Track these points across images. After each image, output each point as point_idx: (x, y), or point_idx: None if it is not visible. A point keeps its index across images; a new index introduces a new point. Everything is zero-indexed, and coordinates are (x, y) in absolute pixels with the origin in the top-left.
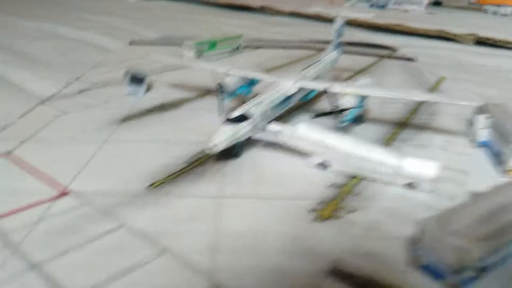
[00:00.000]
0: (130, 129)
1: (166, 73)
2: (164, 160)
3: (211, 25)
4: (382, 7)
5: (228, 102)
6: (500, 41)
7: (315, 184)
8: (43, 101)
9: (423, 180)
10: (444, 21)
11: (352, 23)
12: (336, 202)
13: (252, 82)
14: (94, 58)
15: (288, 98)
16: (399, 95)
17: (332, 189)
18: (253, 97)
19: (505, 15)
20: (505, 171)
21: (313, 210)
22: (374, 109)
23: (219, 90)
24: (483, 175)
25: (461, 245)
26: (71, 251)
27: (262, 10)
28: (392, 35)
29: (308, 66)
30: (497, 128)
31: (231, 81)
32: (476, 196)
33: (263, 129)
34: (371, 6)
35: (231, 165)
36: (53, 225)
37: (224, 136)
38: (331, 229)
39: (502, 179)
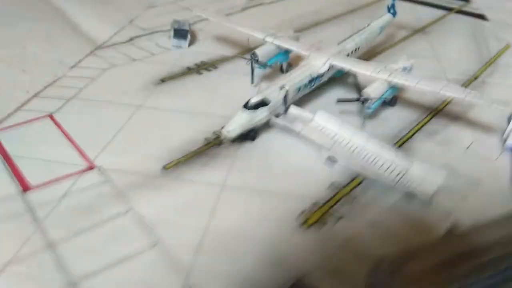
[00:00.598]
0: (166, 92)
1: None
2: (191, 134)
3: None
4: None
5: (263, 70)
6: None
7: (320, 182)
8: (96, 48)
9: (425, 188)
10: None
11: None
12: (329, 205)
13: (288, 50)
14: None
15: (316, 78)
16: (430, 88)
17: (330, 190)
18: (288, 65)
19: None
20: None
21: (303, 212)
22: (410, 90)
23: (253, 59)
24: (494, 190)
25: None
26: (82, 233)
27: None
28: None
29: (351, 36)
30: None
31: (266, 49)
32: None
33: (283, 112)
34: None
35: (244, 149)
36: (73, 203)
37: (240, 121)
38: (311, 237)
39: None
